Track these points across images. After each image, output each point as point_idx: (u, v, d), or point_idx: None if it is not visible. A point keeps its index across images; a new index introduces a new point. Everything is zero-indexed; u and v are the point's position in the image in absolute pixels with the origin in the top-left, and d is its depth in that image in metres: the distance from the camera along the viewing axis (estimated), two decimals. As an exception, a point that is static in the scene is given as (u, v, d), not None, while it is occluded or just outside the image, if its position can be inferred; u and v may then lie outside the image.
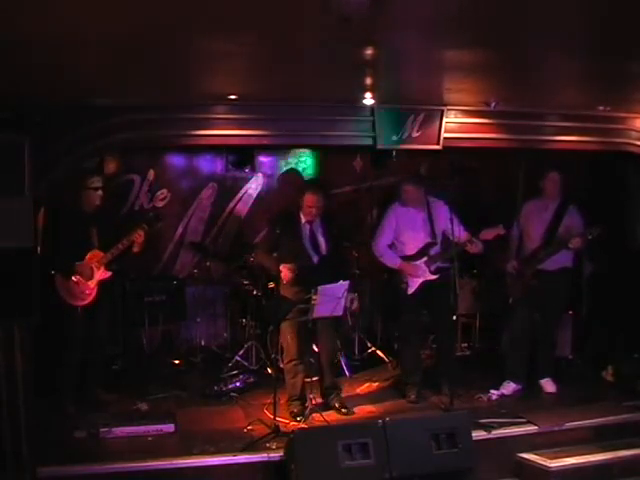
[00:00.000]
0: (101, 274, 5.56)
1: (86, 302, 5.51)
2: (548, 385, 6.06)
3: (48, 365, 5.41)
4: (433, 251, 5.79)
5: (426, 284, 5.78)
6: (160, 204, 7.44)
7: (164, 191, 7.48)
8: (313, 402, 5.48)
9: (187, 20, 2.98)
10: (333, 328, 5.56)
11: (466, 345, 7.47)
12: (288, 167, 7.85)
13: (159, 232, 7.04)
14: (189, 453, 4.74)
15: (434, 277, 5.78)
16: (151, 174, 7.43)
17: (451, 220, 5.53)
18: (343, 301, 5.19)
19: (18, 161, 4.26)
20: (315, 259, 5.47)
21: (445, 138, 5.76)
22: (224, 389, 6.07)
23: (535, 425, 5.18)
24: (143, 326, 6.88)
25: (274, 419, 5.07)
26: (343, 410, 5.51)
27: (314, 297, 5.05)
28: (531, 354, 6.08)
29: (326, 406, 5.60)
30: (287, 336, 5.51)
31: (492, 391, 5.92)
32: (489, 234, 5.58)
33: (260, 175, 7.77)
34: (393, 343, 7.19)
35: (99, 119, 5.05)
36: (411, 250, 5.82)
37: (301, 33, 3.30)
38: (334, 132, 5.68)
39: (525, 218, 6.16)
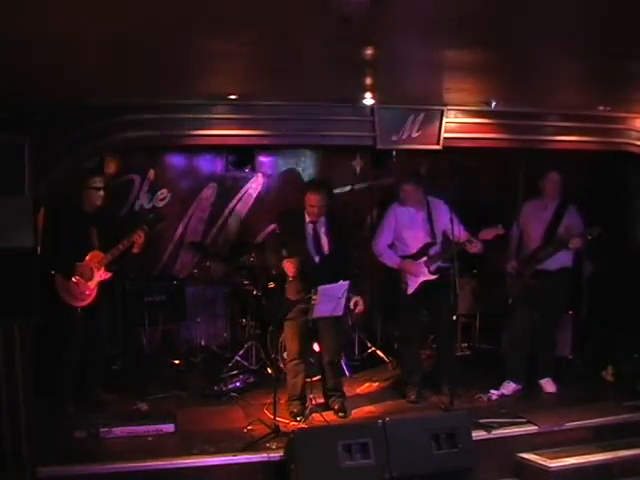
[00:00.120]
0: (101, 275, 5.56)
1: (86, 302, 5.51)
2: (548, 385, 6.06)
3: (48, 365, 5.41)
4: (433, 251, 5.79)
5: (426, 284, 5.78)
6: (160, 204, 7.44)
7: (164, 191, 7.48)
8: (313, 402, 5.48)
9: (187, 20, 2.97)
10: (335, 328, 5.55)
11: (466, 345, 7.48)
12: (288, 167, 7.85)
13: (159, 232, 7.04)
14: (189, 453, 4.75)
15: (433, 277, 5.78)
16: (151, 174, 7.42)
17: (451, 220, 5.53)
18: (343, 301, 5.19)
19: (18, 161, 4.27)
20: (317, 259, 5.47)
21: (445, 138, 5.76)
22: (224, 389, 6.08)
23: (535, 425, 5.18)
24: (143, 326, 6.88)
25: (274, 419, 5.08)
26: (340, 414, 5.49)
27: (314, 297, 5.05)
28: (531, 354, 6.08)
29: (326, 407, 5.60)
30: (289, 336, 5.51)
31: (492, 391, 5.92)
32: (488, 234, 5.58)
33: (260, 175, 7.77)
34: (393, 343, 7.19)
35: (99, 119, 5.04)
36: (411, 250, 5.83)
37: (301, 33, 3.29)
38: (334, 132, 5.68)
39: (525, 218, 6.17)
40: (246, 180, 7.74)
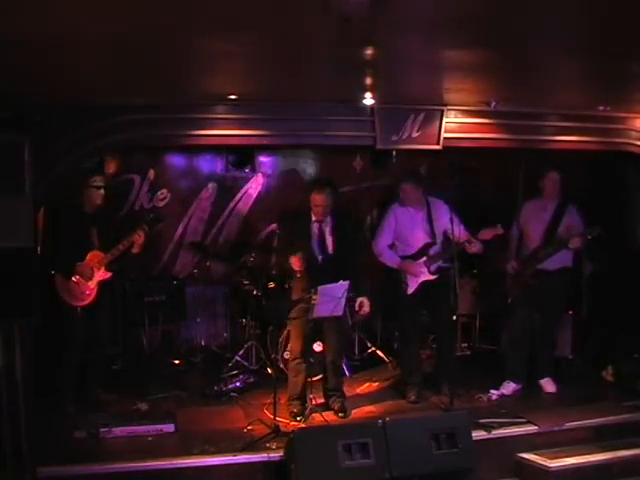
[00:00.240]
0: (101, 275, 5.56)
1: (86, 302, 5.51)
2: (548, 385, 6.06)
3: (48, 365, 5.41)
4: (432, 251, 5.79)
5: (426, 284, 5.78)
6: (160, 204, 7.44)
7: (164, 191, 7.48)
8: (313, 402, 5.48)
9: (187, 20, 2.98)
10: (337, 329, 5.54)
11: (466, 345, 7.47)
12: (288, 167, 7.85)
13: (159, 232, 7.05)
14: (189, 453, 4.74)
15: (433, 277, 5.78)
16: (151, 174, 7.43)
17: (451, 220, 5.53)
18: (343, 301, 5.19)
19: (18, 161, 4.26)
20: (320, 258, 5.46)
21: (445, 138, 5.76)
22: (224, 389, 6.08)
23: (535, 425, 5.18)
24: (143, 326, 6.88)
25: (274, 419, 5.08)
26: (340, 414, 5.49)
27: (314, 297, 5.06)
28: (531, 354, 6.08)
29: (326, 407, 5.60)
30: (293, 335, 5.53)
31: (492, 391, 5.92)
32: (487, 234, 5.57)
33: (260, 175, 7.77)
34: (393, 343, 7.20)
35: (99, 119, 5.05)
36: (411, 250, 5.82)
37: (301, 33, 3.30)
38: (334, 132, 5.68)
39: (525, 218, 6.16)
40: (246, 180, 7.74)
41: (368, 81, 4.75)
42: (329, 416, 5.41)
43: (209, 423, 5.39)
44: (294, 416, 5.36)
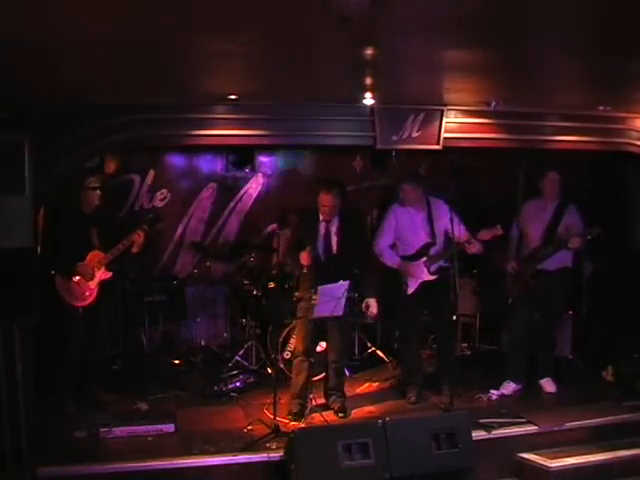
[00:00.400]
0: (102, 274, 5.56)
1: (87, 302, 5.52)
2: (548, 385, 6.06)
3: (48, 365, 5.41)
4: (433, 251, 5.79)
5: (426, 284, 5.78)
6: (160, 204, 7.44)
7: (164, 191, 7.48)
8: (313, 402, 5.48)
9: (187, 20, 2.98)
10: (340, 330, 5.53)
11: (466, 345, 7.47)
12: (288, 167, 7.85)
13: (159, 232, 7.05)
14: (189, 453, 4.74)
15: (433, 277, 5.78)
16: (151, 174, 7.43)
17: (451, 220, 5.53)
18: (343, 301, 5.19)
19: (18, 161, 4.27)
20: (323, 257, 5.46)
21: (445, 138, 5.75)
22: (224, 389, 6.08)
23: (535, 425, 5.18)
24: (143, 326, 6.89)
25: (274, 419, 5.08)
26: (340, 414, 5.49)
27: (314, 297, 5.07)
28: (531, 354, 6.08)
29: (326, 407, 5.61)
30: (298, 333, 5.56)
31: (492, 391, 5.92)
32: (486, 234, 5.57)
33: (260, 175, 7.77)
34: (393, 343, 7.19)
35: (99, 119, 5.04)
36: (411, 250, 5.82)
37: (301, 33, 3.30)
38: (334, 132, 5.67)
39: (524, 218, 6.17)
40: (246, 180, 7.75)
41: (368, 81, 4.74)
42: (329, 416, 5.41)
43: (209, 423, 5.39)
44: (294, 416, 5.34)
